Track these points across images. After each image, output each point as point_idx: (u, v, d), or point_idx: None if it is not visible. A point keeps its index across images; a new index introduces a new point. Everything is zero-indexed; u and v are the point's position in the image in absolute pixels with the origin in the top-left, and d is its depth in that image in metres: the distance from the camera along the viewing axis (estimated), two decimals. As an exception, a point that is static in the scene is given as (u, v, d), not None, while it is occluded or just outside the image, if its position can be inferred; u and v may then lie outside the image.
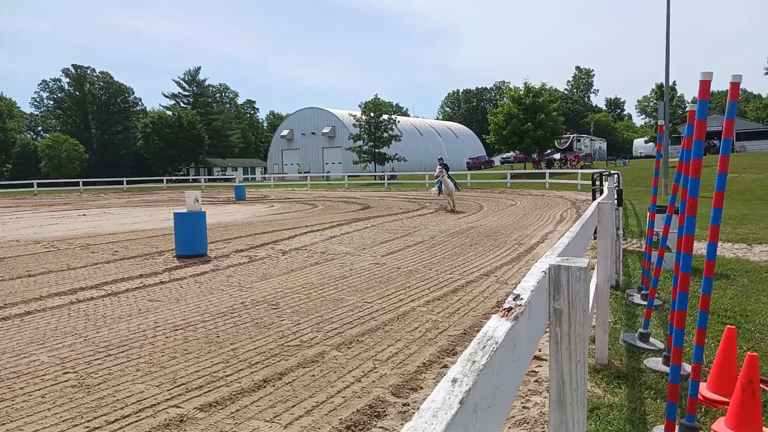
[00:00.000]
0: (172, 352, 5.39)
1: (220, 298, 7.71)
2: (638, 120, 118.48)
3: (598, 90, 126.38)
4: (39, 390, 4.52)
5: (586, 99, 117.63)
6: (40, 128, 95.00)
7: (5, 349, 5.59)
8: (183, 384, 4.58)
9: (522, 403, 4.08)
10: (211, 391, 4.43)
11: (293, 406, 4.11)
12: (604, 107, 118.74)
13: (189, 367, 4.98)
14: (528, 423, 3.77)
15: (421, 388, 4.41)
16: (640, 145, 71.19)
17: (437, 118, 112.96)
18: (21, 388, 4.57)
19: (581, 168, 42.21)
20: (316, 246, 12.50)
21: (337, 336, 5.79)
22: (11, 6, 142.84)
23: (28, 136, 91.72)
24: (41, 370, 4.99)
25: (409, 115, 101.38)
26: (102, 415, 4.03)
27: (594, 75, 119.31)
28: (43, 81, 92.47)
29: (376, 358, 5.09)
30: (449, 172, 22.86)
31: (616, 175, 10.80)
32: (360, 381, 4.56)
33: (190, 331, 6.09)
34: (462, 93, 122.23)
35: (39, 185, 52.90)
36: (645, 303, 6.35)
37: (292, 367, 4.91)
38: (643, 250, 10.44)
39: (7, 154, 75.55)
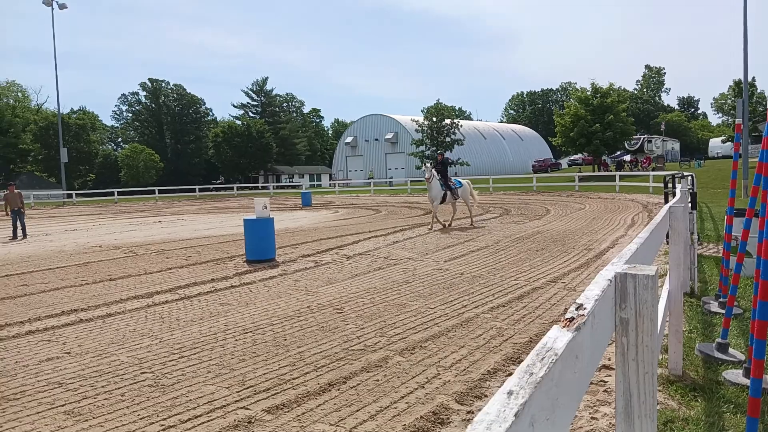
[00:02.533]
0: (242, 355, 5.57)
1: (288, 302, 7.90)
2: (714, 119, 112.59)
3: (669, 89, 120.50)
4: (119, 389, 4.78)
5: (657, 98, 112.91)
6: (119, 139, 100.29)
7: (89, 349, 5.94)
8: (251, 386, 4.72)
9: (590, 413, 3.97)
10: (278, 393, 4.55)
11: (357, 411, 4.16)
12: (676, 106, 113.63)
13: (257, 370, 5.12)
14: (596, 434, 3.66)
15: (486, 396, 4.36)
16: (716, 145, 67.73)
17: (501, 121, 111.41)
18: (102, 387, 4.84)
19: (653, 170, 40.57)
20: (379, 251, 12.59)
21: (401, 341, 5.81)
22: (89, 27, 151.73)
23: (110, 147, 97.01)
24: (121, 369, 5.27)
25: (471, 119, 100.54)
26: (176, 414, 4.21)
27: (665, 73, 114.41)
28: (123, 95, 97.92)
29: (439, 365, 5.08)
30: (447, 173, 17.62)
31: (689, 177, 10.33)
32: (423, 387, 4.56)
33: (258, 335, 6.27)
34: (527, 95, 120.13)
35: (119, 193, 55.80)
36: (723, 311, 6.03)
37: (357, 372, 4.97)
38: (720, 255, 9.93)
39: (91, 165, 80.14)
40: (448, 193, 16.88)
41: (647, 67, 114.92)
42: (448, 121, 53.62)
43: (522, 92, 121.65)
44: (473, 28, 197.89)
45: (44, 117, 77.38)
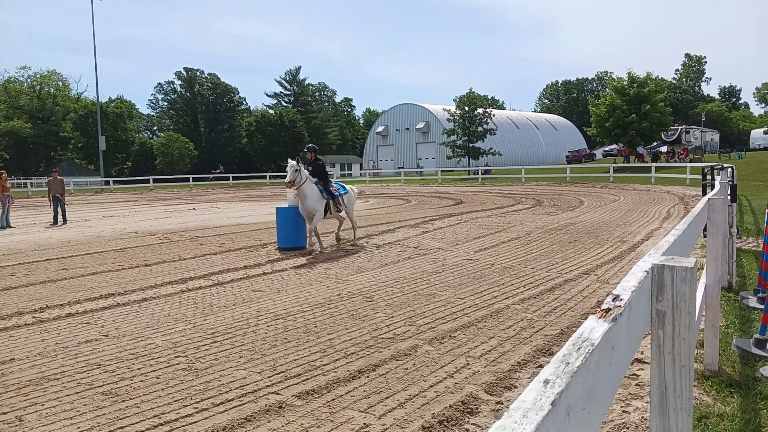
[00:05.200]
0: (273, 341, 5.65)
1: (318, 289, 7.97)
2: (757, 109, 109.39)
3: (710, 78, 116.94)
4: (154, 371, 4.90)
5: (697, 88, 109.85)
6: (155, 128, 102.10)
7: (125, 332, 6.09)
8: (282, 372, 4.79)
9: (622, 407, 3.92)
10: (308, 379, 4.60)
11: (387, 398, 4.19)
12: (717, 96, 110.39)
13: (288, 356, 5.19)
14: (628, 428, 3.62)
15: (516, 387, 4.34)
16: (758, 136, 65.61)
17: (535, 111, 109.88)
18: (139, 369, 4.96)
19: (690, 161, 39.58)
20: (409, 241, 12.58)
21: (430, 330, 5.82)
22: (126, 17, 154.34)
23: (146, 135, 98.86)
24: (156, 353, 5.40)
25: (504, 109, 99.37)
26: (209, 398, 4.29)
27: (706, 62, 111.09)
28: (158, 84, 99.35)
29: (469, 355, 5.07)
30: (328, 177, 12.38)
31: (729, 169, 10.04)
32: (452, 377, 4.56)
33: (290, 321, 6.35)
34: (561, 84, 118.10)
35: (154, 181, 56.87)
36: (762, 307, 5.87)
37: (386, 360, 5.00)
38: (760, 249, 9.67)
39: (128, 153, 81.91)
40: (331, 202, 11.94)
41: (687, 55, 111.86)
42: (480, 110, 53.11)
43: (556, 81, 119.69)
44: (508, 15, 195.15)
45: (83, 105, 79.27)
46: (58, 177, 20.88)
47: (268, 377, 4.68)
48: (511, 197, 26.99)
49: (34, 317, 6.84)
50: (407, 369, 4.76)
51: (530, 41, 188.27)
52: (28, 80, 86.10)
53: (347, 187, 12.95)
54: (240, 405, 4.15)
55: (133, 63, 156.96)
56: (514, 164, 62.81)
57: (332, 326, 6.09)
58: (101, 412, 4.10)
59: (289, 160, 11.45)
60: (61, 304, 7.44)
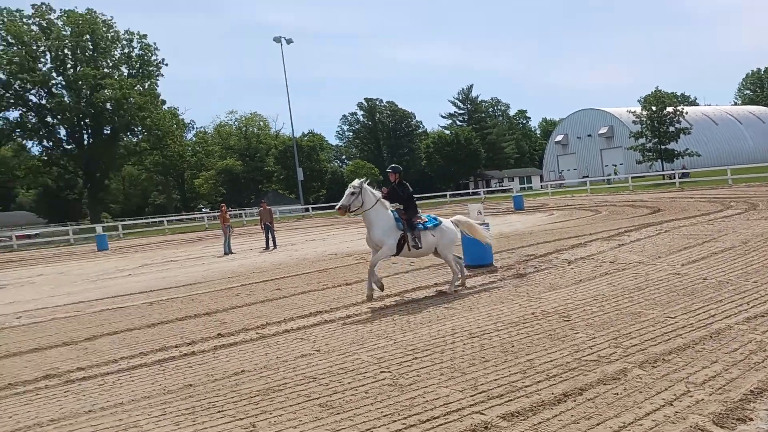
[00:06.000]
0: (471, 359, 5.68)
1: (510, 307, 7.87)
2: None
3: None
4: (362, 386, 5.20)
5: None
6: (344, 156, 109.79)
7: (334, 348, 6.57)
8: (484, 391, 4.79)
9: None
10: (511, 400, 4.54)
11: (598, 425, 3.98)
12: None
13: (488, 375, 5.18)
14: None
15: (751, 419, 3.85)
16: None
17: (734, 104, 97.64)
18: (349, 383, 5.31)
19: None
20: (603, 255, 11.87)
21: (639, 353, 5.41)
22: (308, 57, 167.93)
23: (336, 164, 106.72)
24: (362, 368, 5.73)
25: (698, 105, 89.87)
26: (415, 414, 4.44)
27: None
28: (343, 116, 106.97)
29: (688, 381, 4.61)
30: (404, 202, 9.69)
31: None
32: (672, 405, 4.19)
33: (485, 339, 6.35)
34: (764, 71, 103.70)
35: (348, 206, 60.64)
36: None
37: (592, 383, 4.75)
38: None
39: (322, 181, 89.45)
40: (409, 235, 9.27)
41: None
42: (670, 108, 48.61)
43: (758, 69, 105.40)
44: (686, 5, 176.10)
45: (282, 141, 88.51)
46: (267, 207, 23.38)
47: (471, 396, 4.71)
48: (717, 201, 24.13)
49: (257, 333, 7.69)
50: (617, 394, 4.48)
51: (717, 30, 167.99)
52: (236, 123, 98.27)
53: (445, 221, 9.86)
54: (446, 423, 4.23)
55: (319, 98, 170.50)
56: (716, 164, 56.22)
57: (530, 346, 5.96)
58: (320, 423, 4.45)
59: (356, 180, 9.53)
60: (279, 321, 8.26)
